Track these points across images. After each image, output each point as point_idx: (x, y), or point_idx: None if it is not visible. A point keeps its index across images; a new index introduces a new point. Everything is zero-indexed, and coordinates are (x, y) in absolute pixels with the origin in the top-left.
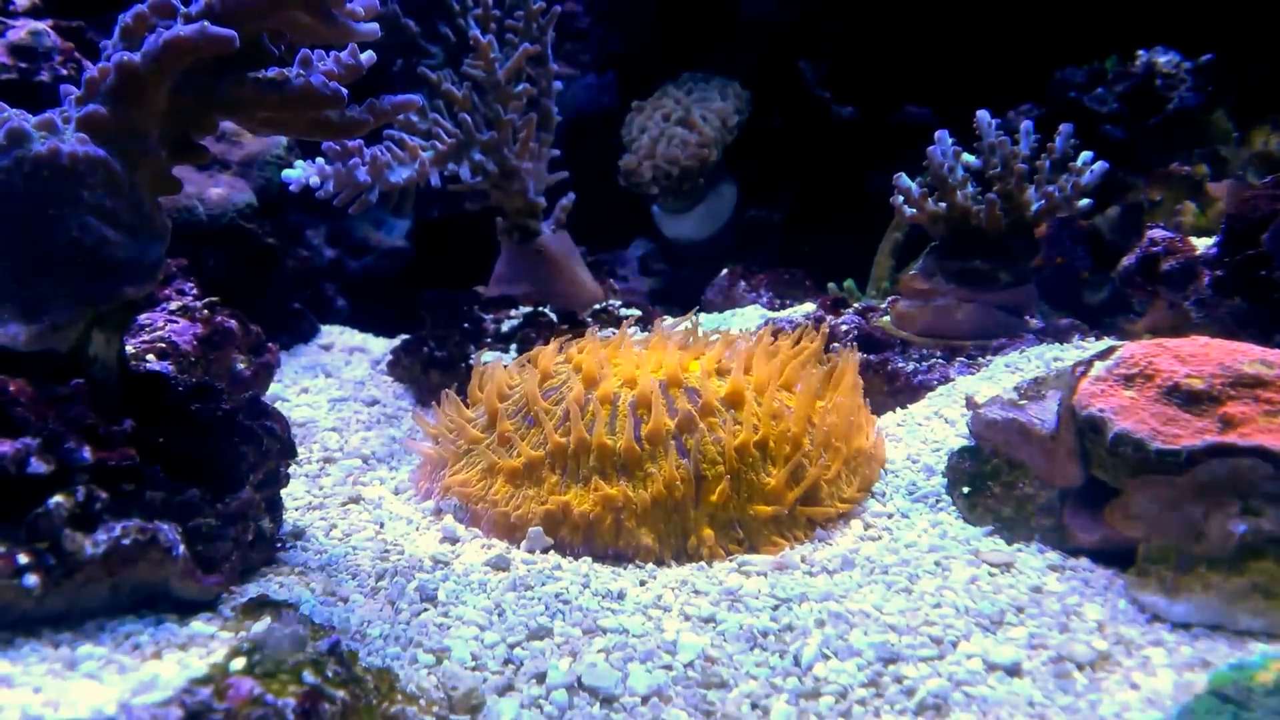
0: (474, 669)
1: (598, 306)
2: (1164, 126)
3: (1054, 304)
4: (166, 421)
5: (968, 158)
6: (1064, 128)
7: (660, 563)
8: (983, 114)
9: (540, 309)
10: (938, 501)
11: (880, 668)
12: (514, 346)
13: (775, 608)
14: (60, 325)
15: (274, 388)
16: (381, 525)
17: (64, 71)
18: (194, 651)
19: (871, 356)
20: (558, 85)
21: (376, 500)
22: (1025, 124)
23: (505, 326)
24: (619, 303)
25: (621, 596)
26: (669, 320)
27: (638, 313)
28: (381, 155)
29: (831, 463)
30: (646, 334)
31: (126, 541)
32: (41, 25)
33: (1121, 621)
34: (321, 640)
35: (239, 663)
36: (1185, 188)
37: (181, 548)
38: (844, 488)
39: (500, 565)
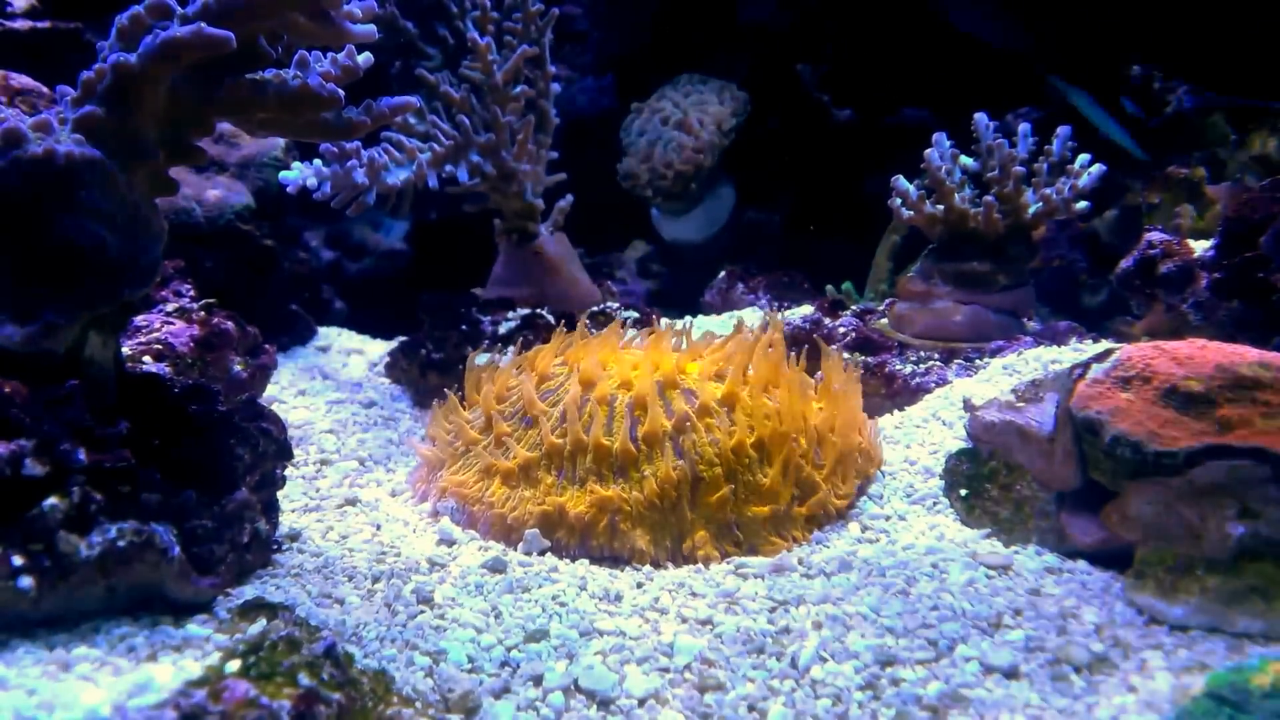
0: (470, 671)
1: (596, 309)
2: (1162, 129)
3: (1052, 306)
4: (163, 423)
5: (965, 160)
6: (1062, 130)
7: (657, 565)
8: (980, 116)
9: (538, 311)
10: (935, 504)
11: (877, 670)
12: (510, 349)
13: (772, 610)
14: (56, 327)
15: (271, 389)
16: (378, 527)
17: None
18: (189, 654)
19: (869, 359)
20: (556, 87)
21: (373, 502)
22: (1023, 126)
23: (503, 328)
24: (617, 305)
25: (618, 599)
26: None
27: (635, 314)
28: (379, 157)
29: (826, 459)
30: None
31: (122, 543)
32: None
33: (1119, 624)
34: (317, 642)
35: (234, 665)
36: (1183, 190)
37: (177, 549)
38: (840, 484)
39: (497, 567)
